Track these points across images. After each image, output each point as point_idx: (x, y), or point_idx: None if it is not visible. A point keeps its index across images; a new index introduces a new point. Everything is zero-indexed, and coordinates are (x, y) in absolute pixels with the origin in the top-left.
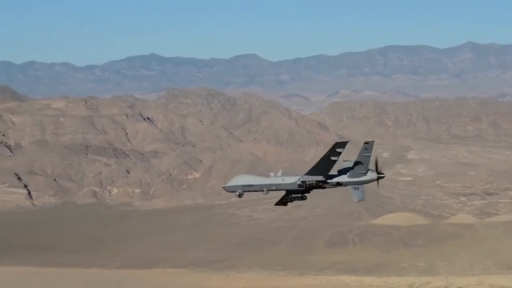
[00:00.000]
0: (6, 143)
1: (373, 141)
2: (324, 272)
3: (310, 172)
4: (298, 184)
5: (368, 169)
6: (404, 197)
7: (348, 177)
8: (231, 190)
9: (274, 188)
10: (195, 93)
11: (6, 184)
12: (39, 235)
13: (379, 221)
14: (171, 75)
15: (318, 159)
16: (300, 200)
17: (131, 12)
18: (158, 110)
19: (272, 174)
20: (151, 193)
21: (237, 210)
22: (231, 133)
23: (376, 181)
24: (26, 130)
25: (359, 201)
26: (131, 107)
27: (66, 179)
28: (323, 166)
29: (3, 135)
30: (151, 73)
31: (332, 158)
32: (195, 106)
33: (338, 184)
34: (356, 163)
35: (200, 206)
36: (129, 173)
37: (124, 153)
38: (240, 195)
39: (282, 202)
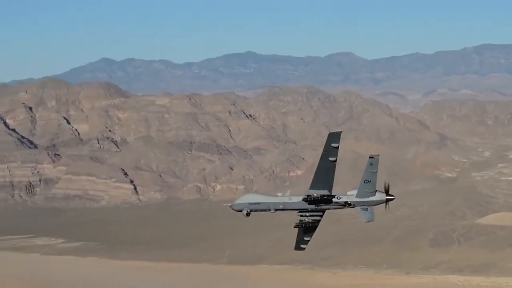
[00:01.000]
0: (112, 138)
1: (378, 155)
2: (430, 272)
3: (313, 183)
4: (303, 198)
5: (376, 190)
6: (507, 196)
7: (356, 196)
8: (238, 208)
9: (281, 207)
10: (295, 91)
11: (113, 179)
12: (147, 230)
13: (483, 220)
14: (267, 72)
15: (419, 158)
16: (311, 225)
17: (228, 11)
18: (260, 107)
19: (280, 194)
20: (254, 189)
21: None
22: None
23: (385, 203)
24: (131, 126)
25: (367, 221)
26: (234, 104)
27: (171, 175)
28: (324, 171)
29: (110, 130)
30: (247, 71)
31: (331, 158)
32: (295, 104)
33: (347, 203)
34: (364, 181)
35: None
36: (232, 169)
37: (228, 150)
38: (247, 214)
39: (299, 245)
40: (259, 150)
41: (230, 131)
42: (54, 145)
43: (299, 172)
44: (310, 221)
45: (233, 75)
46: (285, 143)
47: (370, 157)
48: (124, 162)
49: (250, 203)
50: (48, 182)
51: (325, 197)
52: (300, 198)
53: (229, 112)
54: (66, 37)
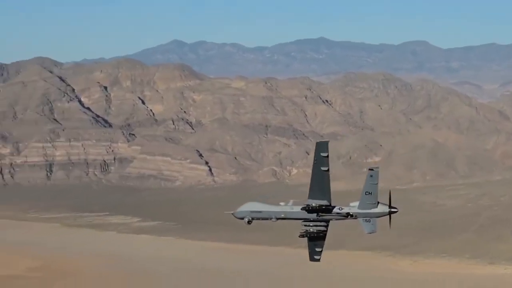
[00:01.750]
0: (187, 120)
1: (378, 167)
2: None
3: (311, 193)
4: (302, 207)
5: (379, 202)
6: None
7: (358, 208)
8: (239, 216)
9: (282, 215)
10: (371, 78)
11: (188, 160)
12: (223, 211)
13: None
14: (340, 59)
15: (499, 148)
16: (317, 235)
17: None
18: (336, 93)
19: (282, 203)
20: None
21: (419, 196)
22: (410, 119)
23: (388, 216)
24: (206, 108)
25: (369, 233)
26: (310, 89)
27: (246, 158)
28: (318, 181)
29: (184, 112)
30: (320, 57)
31: (323, 168)
32: (371, 91)
33: (349, 215)
34: (365, 192)
35: (382, 190)
36: (308, 154)
37: (304, 134)
38: (249, 222)
39: (313, 256)
40: (335, 135)
41: (306, 115)
42: (128, 125)
43: (376, 159)
44: (315, 231)
45: (305, 60)
46: (362, 129)
47: (369, 169)
48: (199, 143)
49: (251, 211)
50: (122, 161)
51: (324, 207)
52: (300, 207)
53: (305, 97)
54: (138, 18)
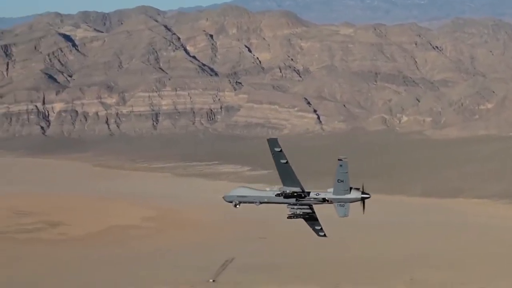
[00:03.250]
0: (294, 67)
1: (346, 157)
2: None
3: (283, 181)
4: (276, 194)
5: (352, 188)
6: None
7: (333, 194)
8: (228, 200)
9: (266, 200)
10: (480, 23)
11: (296, 108)
12: (334, 160)
13: None
14: (442, 4)
15: None
16: (306, 216)
17: None
18: (446, 39)
19: (268, 188)
20: (442, 122)
21: None
22: None
23: (361, 201)
24: (314, 55)
25: (341, 217)
26: (419, 36)
27: (355, 105)
28: (283, 172)
29: (292, 59)
30: (421, 2)
31: (282, 161)
32: (480, 37)
33: (324, 200)
34: (337, 180)
35: (495, 137)
36: (419, 101)
37: (414, 81)
38: (235, 205)
39: (318, 234)
40: (446, 82)
41: (416, 62)
42: (235, 73)
43: (489, 106)
44: (301, 213)
45: (406, 6)
46: (473, 75)
47: (339, 159)
48: (307, 91)
49: (238, 196)
50: (229, 109)
51: (296, 194)
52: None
53: (415, 43)
54: None
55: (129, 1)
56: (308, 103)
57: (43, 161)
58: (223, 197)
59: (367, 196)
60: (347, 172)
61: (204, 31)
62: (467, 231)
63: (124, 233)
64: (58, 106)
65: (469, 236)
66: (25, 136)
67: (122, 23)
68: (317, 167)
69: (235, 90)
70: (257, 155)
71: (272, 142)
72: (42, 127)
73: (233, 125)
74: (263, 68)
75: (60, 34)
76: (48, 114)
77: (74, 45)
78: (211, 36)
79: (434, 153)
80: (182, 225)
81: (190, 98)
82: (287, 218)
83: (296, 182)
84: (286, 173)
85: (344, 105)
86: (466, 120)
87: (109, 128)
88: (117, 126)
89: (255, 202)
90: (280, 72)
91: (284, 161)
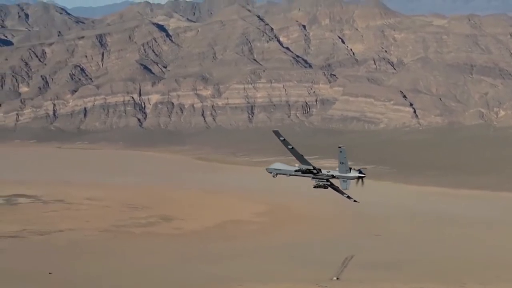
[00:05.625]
0: (388, 59)
1: (344, 146)
2: None
3: (299, 161)
4: (295, 170)
5: (351, 168)
6: None
7: (339, 172)
8: (269, 171)
9: (293, 173)
10: None
11: (392, 102)
12: (433, 155)
13: None
14: None
15: None
16: (329, 187)
17: None
18: None
19: (297, 165)
20: None
21: None
22: None
23: (358, 179)
24: (408, 47)
25: (343, 189)
26: None
27: (451, 99)
28: (294, 155)
29: (385, 51)
30: None
31: (289, 147)
32: None
33: (333, 176)
34: (340, 163)
35: None
36: None
37: (510, 74)
38: (274, 176)
39: (350, 199)
40: None
41: (511, 54)
42: (329, 65)
43: None
44: (322, 184)
45: None
46: None
47: (339, 147)
48: (402, 84)
49: (275, 169)
50: (324, 102)
51: (309, 170)
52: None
53: (510, 35)
54: None
55: None
56: (404, 96)
57: (143, 153)
58: (266, 169)
59: (363, 175)
60: (345, 157)
61: (297, 21)
62: None
63: (239, 228)
64: (154, 98)
65: None
66: (122, 128)
67: (211, 13)
68: (421, 162)
69: (329, 82)
70: (355, 150)
71: (277, 133)
72: (138, 119)
73: (328, 118)
74: (356, 60)
75: (153, 23)
76: (145, 106)
77: (168, 35)
78: (304, 26)
79: None
80: (296, 220)
81: (285, 90)
82: (313, 187)
83: (306, 162)
84: (296, 156)
85: (440, 99)
86: None
87: (205, 120)
88: (213, 118)
89: (286, 174)
90: (374, 64)
91: (290, 147)
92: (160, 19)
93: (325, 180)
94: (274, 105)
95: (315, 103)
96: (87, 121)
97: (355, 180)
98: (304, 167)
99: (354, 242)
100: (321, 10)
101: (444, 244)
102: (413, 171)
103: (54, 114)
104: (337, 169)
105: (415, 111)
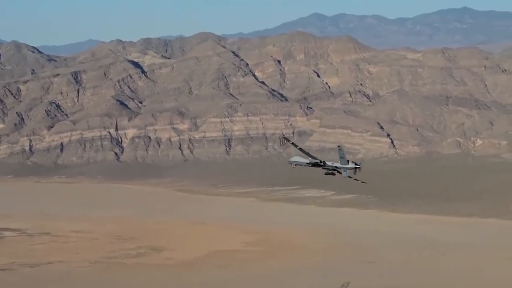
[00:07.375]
0: (364, 92)
1: (341, 145)
2: None
3: (308, 156)
4: (306, 163)
5: (349, 161)
6: None
7: (340, 164)
8: (289, 163)
9: (306, 165)
10: None
11: (369, 133)
12: (413, 183)
13: None
14: (485, 28)
15: None
16: (334, 173)
17: None
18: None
19: (310, 159)
20: None
21: None
22: None
23: (354, 169)
24: (383, 80)
25: (344, 177)
26: (487, 59)
27: (428, 129)
28: (304, 154)
29: (361, 84)
30: (464, 27)
31: (297, 147)
32: None
33: (337, 168)
34: (340, 157)
35: None
36: (492, 124)
37: (486, 104)
38: (294, 166)
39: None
40: None
41: (486, 85)
42: (305, 98)
43: None
44: (331, 171)
45: (449, 31)
46: None
47: (338, 146)
48: (378, 116)
49: (294, 161)
50: (301, 134)
51: (317, 163)
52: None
53: (484, 67)
54: None
55: (188, 28)
56: (381, 127)
57: (122, 186)
58: (288, 161)
59: (358, 166)
60: (343, 153)
61: (272, 56)
62: None
63: (231, 257)
64: (131, 132)
65: None
66: (99, 162)
67: (183, 50)
68: (403, 190)
69: (306, 115)
70: (337, 180)
71: (286, 139)
72: (116, 153)
73: (306, 149)
74: (332, 93)
75: (128, 60)
76: (121, 140)
77: (143, 71)
78: (279, 61)
79: None
80: (289, 249)
81: (262, 123)
82: (325, 174)
83: (313, 157)
84: (305, 154)
85: (417, 129)
86: None
87: (182, 153)
88: (190, 151)
89: (302, 165)
90: (350, 96)
91: (298, 147)
92: (134, 56)
93: (331, 170)
94: (251, 138)
95: (292, 135)
96: (64, 156)
97: (353, 170)
98: (313, 161)
99: (348, 270)
100: (296, 45)
101: (438, 269)
102: (396, 200)
103: (30, 149)
104: (337, 162)
105: (392, 142)
